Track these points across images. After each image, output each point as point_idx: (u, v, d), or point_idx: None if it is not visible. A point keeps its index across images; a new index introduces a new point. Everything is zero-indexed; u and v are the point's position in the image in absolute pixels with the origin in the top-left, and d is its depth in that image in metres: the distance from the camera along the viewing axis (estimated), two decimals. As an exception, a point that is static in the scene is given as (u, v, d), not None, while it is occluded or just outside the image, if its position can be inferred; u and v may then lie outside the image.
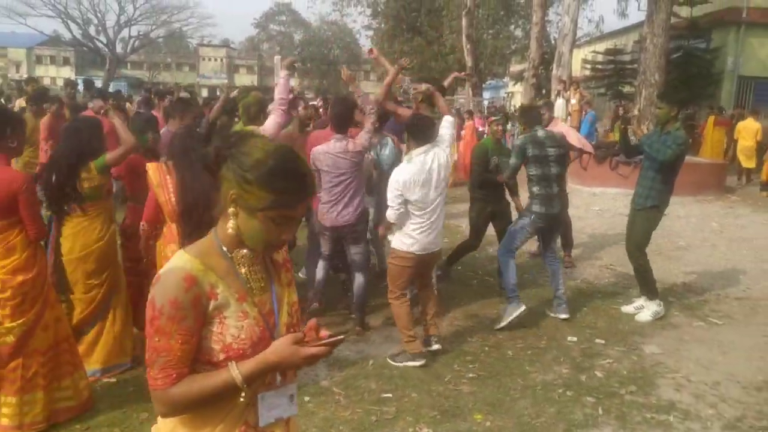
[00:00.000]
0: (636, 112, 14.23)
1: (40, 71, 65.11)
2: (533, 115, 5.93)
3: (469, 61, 25.52)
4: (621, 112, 15.39)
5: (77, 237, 4.09)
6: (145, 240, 3.97)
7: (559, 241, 6.84)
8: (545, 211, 5.57)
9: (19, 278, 3.37)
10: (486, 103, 29.46)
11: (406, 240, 4.67)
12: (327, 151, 4.99)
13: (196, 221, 3.64)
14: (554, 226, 5.87)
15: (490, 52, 30.24)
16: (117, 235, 4.49)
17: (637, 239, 5.77)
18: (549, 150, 5.57)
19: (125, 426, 3.73)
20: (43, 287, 3.54)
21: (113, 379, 4.28)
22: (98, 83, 20.27)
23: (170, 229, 3.85)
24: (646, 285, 5.85)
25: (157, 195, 3.84)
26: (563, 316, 5.69)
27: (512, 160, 5.72)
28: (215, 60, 70.99)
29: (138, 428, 3.71)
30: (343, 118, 5.11)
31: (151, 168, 3.87)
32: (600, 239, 8.82)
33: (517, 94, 37.68)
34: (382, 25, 36.48)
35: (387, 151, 5.92)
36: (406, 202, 4.58)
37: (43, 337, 3.53)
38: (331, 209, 5.05)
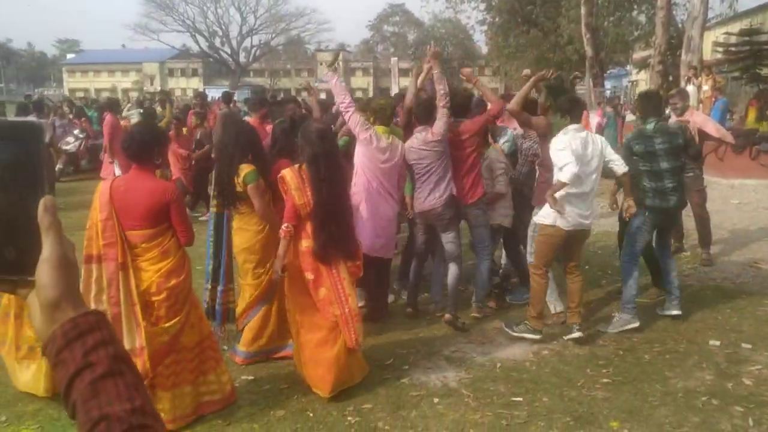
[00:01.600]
0: (778, 95, 13.16)
1: (171, 83, 69.66)
2: (653, 104, 5.52)
3: (589, 51, 24.64)
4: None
5: (238, 233, 4.53)
6: (288, 241, 4.13)
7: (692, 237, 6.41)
8: (659, 205, 5.26)
9: (173, 281, 3.62)
10: (608, 93, 28.27)
11: (554, 214, 4.78)
12: (411, 146, 5.19)
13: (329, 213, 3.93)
14: (670, 220, 5.58)
15: (611, 40, 28.94)
16: None
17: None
18: (657, 144, 5.21)
19: (264, 422, 3.88)
20: (190, 289, 3.81)
21: (251, 377, 4.48)
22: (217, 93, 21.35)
23: (305, 227, 4.08)
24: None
25: (295, 198, 4.01)
26: (674, 312, 5.39)
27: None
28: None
29: (275, 424, 3.85)
30: (425, 110, 5.24)
31: (288, 173, 4.06)
32: (741, 234, 8.22)
33: (641, 82, 35.90)
34: (496, 19, 35.93)
35: (505, 142, 5.90)
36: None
37: (191, 334, 3.78)
38: (418, 195, 5.23)
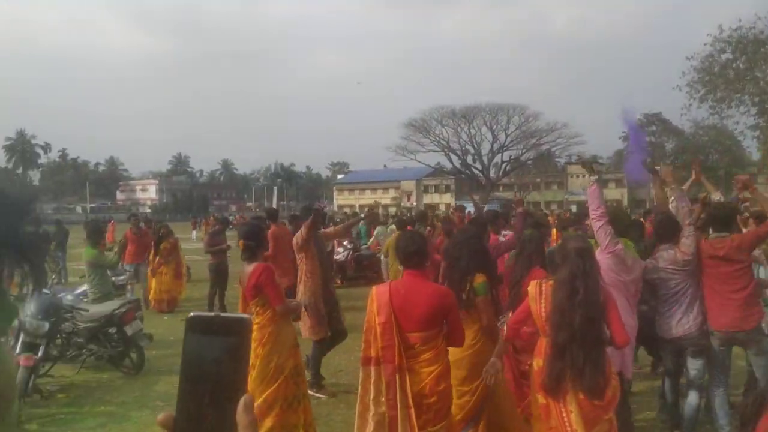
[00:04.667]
0: None
1: (426, 199, 74.09)
2: None
3: None
4: None
5: None
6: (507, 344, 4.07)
7: None
8: None
9: (443, 384, 3.65)
10: None
11: None
12: (656, 265, 4.88)
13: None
14: None
15: None
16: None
17: None
18: None
19: None
20: (451, 394, 3.80)
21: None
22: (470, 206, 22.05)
23: (540, 343, 3.78)
24: None
25: (530, 306, 3.82)
26: None
27: None
28: (583, 176, 71.77)
29: None
30: (666, 228, 4.95)
31: (531, 286, 3.88)
32: None
33: None
34: (772, 123, 32.80)
35: None
36: None
37: None
38: (666, 320, 4.84)
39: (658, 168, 5.53)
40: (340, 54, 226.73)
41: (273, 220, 10.67)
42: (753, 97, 32.14)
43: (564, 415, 3.47)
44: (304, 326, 6.58)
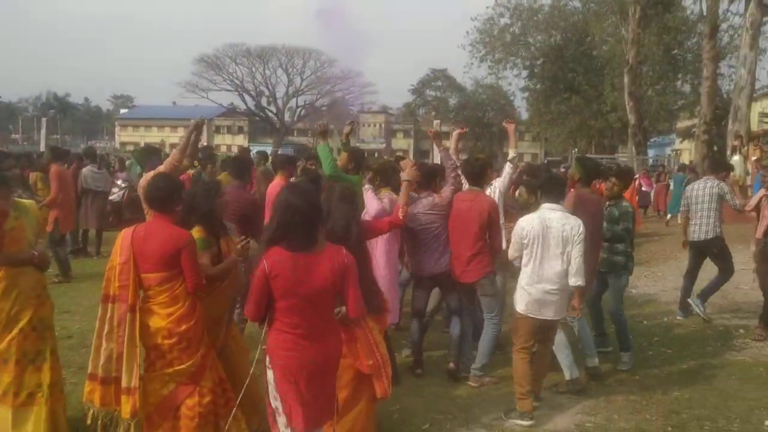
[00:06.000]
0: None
1: (218, 140, 71.70)
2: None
3: (631, 119, 24.66)
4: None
5: None
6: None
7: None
8: None
9: (184, 326, 3.66)
10: (651, 161, 28.03)
11: (521, 298, 4.68)
12: (416, 211, 5.24)
13: None
14: None
15: (655, 108, 28.90)
16: None
17: None
18: None
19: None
20: (203, 333, 3.80)
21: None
22: (268, 149, 21.80)
23: None
24: None
25: None
26: None
27: None
28: (374, 125, 74.25)
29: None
30: (426, 177, 5.43)
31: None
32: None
33: (684, 152, 35.59)
34: (538, 86, 36.37)
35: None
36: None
37: (210, 377, 3.77)
38: (426, 259, 5.32)
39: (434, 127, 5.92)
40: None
41: (58, 159, 9.81)
42: (524, 61, 35.24)
43: (368, 333, 3.88)
44: None
